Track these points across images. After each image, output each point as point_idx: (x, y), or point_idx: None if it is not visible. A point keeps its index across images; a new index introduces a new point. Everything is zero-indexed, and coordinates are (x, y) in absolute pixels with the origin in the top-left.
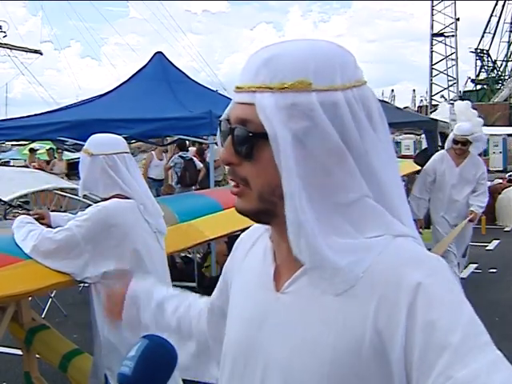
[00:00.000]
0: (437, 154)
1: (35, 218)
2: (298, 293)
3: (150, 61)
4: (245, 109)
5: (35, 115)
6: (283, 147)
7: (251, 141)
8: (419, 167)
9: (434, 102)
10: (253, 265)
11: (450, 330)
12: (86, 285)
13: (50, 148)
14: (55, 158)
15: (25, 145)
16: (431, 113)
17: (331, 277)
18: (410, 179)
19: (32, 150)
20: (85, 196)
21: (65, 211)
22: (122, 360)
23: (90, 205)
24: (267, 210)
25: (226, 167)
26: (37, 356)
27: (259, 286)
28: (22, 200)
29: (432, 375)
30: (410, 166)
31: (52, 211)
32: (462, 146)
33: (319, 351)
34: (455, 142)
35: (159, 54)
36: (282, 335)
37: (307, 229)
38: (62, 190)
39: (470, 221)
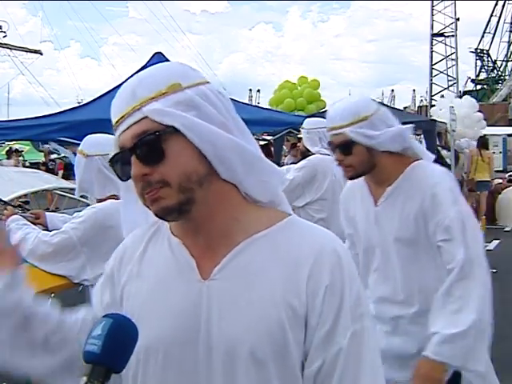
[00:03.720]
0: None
1: (31, 218)
2: (230, 277)
3: (149, 61)
4: (137, 126)
5: (37, 117)
6: (194, 126)
7: (159, 141)
8: None
9: (433, 102)
10: (159, 263)
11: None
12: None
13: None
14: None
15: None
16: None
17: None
18: None
19: (16, 151)
20: (83, 196)
21: (65, 209)
22: (87, 339)
23: (89, 205)
24: (188, 199)
25: (140, 183)
26: None
27: (180, 280)
28: (21, 200)
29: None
30: None
31: (51, 211)
32: (343, 152)
33: (270, 324)
34: (331, 145)
35: (158, 54)
36: (225, 316)
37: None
38: (61, 189)
39: None
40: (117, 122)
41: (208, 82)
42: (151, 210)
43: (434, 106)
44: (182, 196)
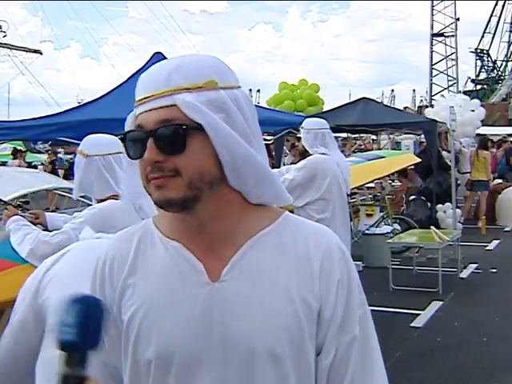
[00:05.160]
0: None
1: (30, 218)
2: (240, 277)
3: (149, 61)
4: (164, 111)
5: (38, 118)
6: (218, 129)
7: (183, 134)
8: (419, 159)
9: (433, 102)
10: (157, 270)
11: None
12: None
13: (50, 149)
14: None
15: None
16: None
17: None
18: (410, 178)
19: (21, 151)
20: (83, 196)
21: (65, 209)
22: (59, 326)
23: (89, 205)
24: (194, 196)
25: (149, 167)
26: None
27: (185, 285)
28: (22, 200)
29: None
30: (411, 158)
31: (52, 211)
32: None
33: (287, 320)
34: None
35: (158, 54)
36: (240, 316)
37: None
38: (61, 189)
39: None
40: (142, 99)
41: (240, 86)
42: (152, 197)
43: (430, 106)
44: (190, 192)
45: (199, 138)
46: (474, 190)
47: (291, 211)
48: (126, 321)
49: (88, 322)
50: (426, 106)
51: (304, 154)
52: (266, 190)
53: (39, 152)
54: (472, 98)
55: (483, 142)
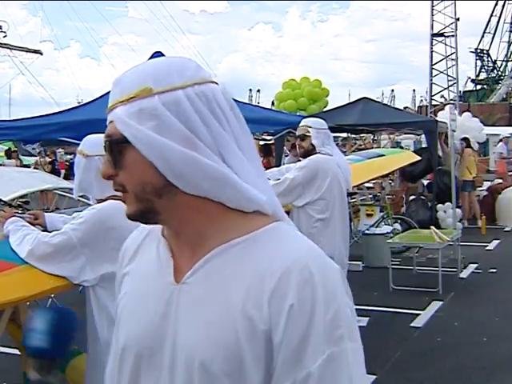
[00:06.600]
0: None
1: (29, 219)
2: (199, 282)
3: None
4: (109, 126)
5: (38, 117)
6: (144, 139)
7: (116, 148)
8: (419, 157)
9: (434, 102)
10: (145, 263)
11: None
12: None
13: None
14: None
15: None
16: (431, 112)
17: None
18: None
19: (15, 152)
20: (83, 196)
21: (65, 209)
22: (30, 333)
23: (89, 205)
24: (147, 208)
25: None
26: None
27: (158, 280)
28: (21, 200)
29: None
30: (411, 157)
31: (51, 211)
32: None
33: (223, 334)
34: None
35: (158, 54)
36: (187, 322)
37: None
38: (61, 189)
39: None
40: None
41: (197, 84)
42: None
43: (436, 106)
44: (141, 205)
45: (132, 151)
46: (464, 190)
47: (287, 212)
48: (117, 307)
49: (57, 331)
50: (426, 106)
51: (309, 153)
52: (228, 191)
53: (31, 154)
54: (472, 99)
55: (466, 141)
